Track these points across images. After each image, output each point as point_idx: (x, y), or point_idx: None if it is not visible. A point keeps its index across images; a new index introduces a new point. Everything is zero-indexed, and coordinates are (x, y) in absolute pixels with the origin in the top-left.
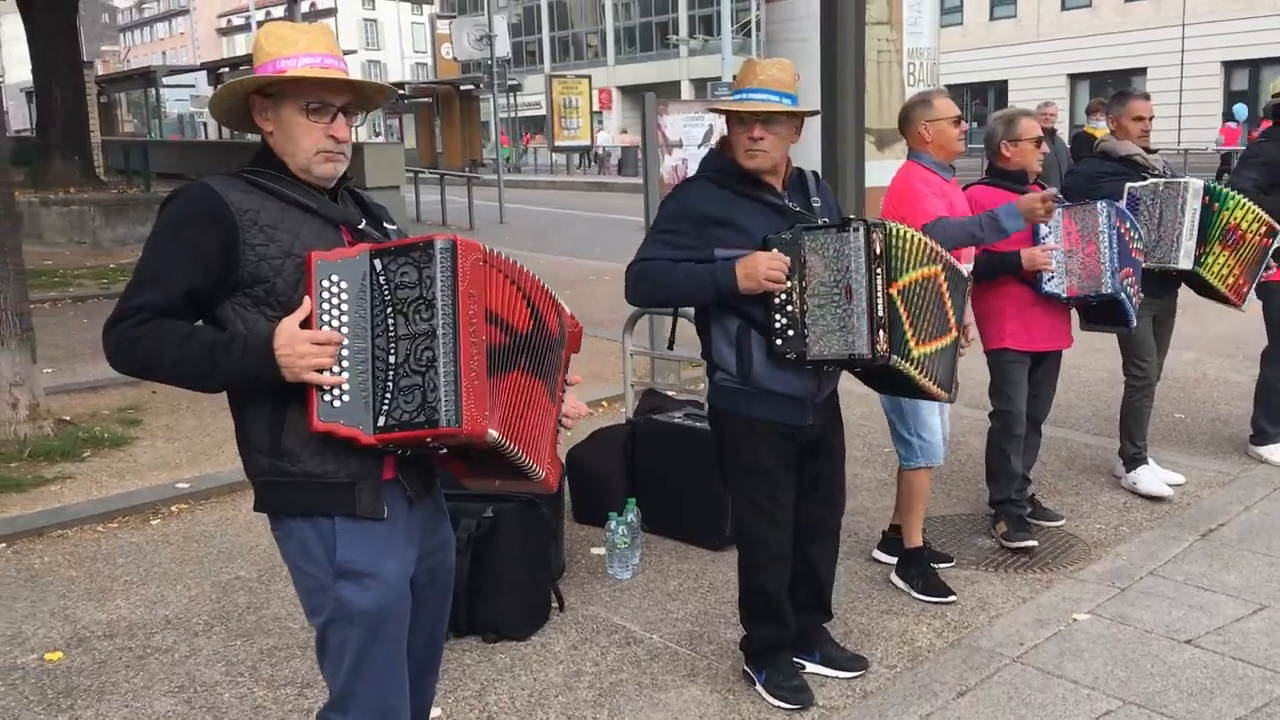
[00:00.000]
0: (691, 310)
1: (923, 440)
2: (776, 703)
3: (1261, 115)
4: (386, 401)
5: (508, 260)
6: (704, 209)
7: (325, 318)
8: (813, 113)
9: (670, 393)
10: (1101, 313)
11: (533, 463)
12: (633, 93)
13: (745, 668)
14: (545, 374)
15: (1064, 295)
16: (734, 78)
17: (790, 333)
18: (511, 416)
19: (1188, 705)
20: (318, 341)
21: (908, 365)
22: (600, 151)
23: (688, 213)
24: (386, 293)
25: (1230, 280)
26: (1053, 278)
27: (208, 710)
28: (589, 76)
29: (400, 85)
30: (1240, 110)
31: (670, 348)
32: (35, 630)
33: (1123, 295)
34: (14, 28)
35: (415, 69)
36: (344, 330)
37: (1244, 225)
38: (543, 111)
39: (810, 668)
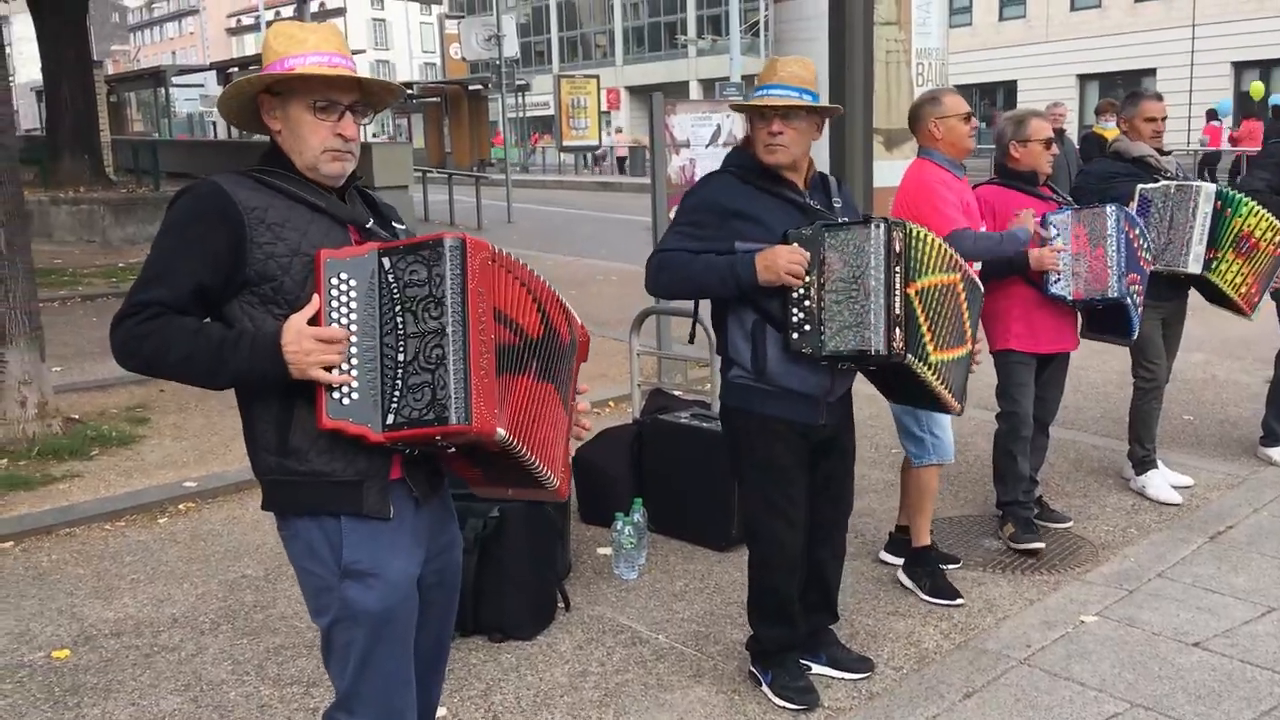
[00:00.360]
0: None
1: (935, 437)
2: (782, 703)
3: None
4: (395, 400)
5: (516, 261)
6: (725, 202)
7: (334, 315)
8: (833, 109)
9: (677, 393)
10: (1105, 319)
11: (545, 468)
12: (641, 93)
13: (751, 668)
14: (558, 382)
15: (1070, 298)
16: (743, 77)
17: (806, 327)
18: (523, 420)
19: (1195, 708)
20: (325, 339)
21: (924, 367)
22: (600, 152)
23: (709, 205)
24: (395, 291)
25: (1243, 289)
26: (1059, 279)
27: (214, 709)
28: (597, 77)
29: (409, 85)
30: (1224, 105)
31: (691, 341)
32: (43, 628)
33: (1128, 300)
34: (24, 27)
35: (424, 69)
36: (353, 328)
37: (1258, 233)
38: (551, 111)
39: (816, 669)
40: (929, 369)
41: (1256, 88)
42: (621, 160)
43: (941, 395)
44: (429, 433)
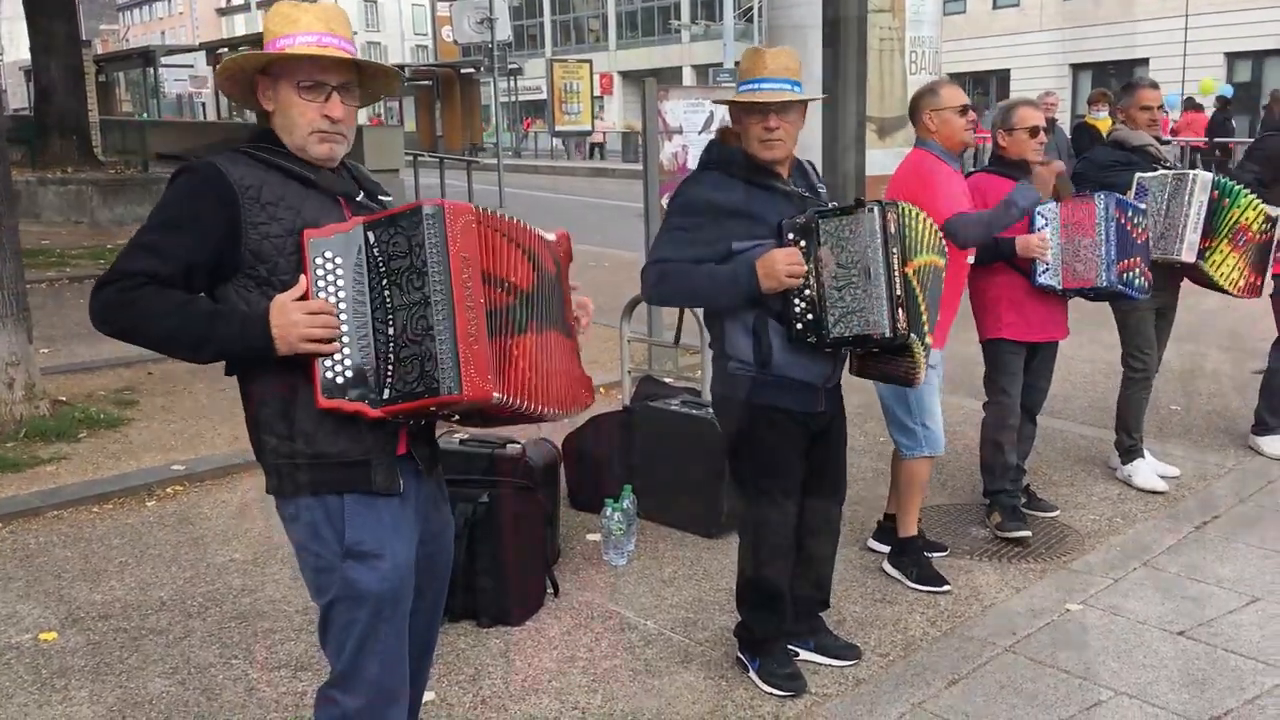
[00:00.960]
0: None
1: (926, 429)
2: (769, 690)
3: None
4: (389, 374)
5: (503, 218)
6: (716, 200)
7: (321, 294)
8: (823, 98)
9: (667, 380)
10: (1106, 298)
11: (555, 410)
12: (634, 78)
13: (739, 654)
14: (554, 319)
15: (1059, 288)
16: (735, 63)
17: (810, 317)
18: (531, 377)
19: (1179, 696)
20: (310, 311)
21: (920, 347)
22: (579, 141)
23: (700, 205)
24: (381, 264)
25: (1241, 283)
26: (1047, 270)
27: (201, 691)
28: (590, 61)
29: (400, 68)
30: (1171, 99)
31: (676, 343)
32: (30, 610)
33: (1120, 288)
34: (13, 6)
35: (415, 51)
36: (341, 305)
37: (1254, 227)
38: (543, 96)
39: (804, 655)
40: (924, 349)
41: (1206, 84)
42: (594, 147)
43: (916, 374)
44: (423, 404)
